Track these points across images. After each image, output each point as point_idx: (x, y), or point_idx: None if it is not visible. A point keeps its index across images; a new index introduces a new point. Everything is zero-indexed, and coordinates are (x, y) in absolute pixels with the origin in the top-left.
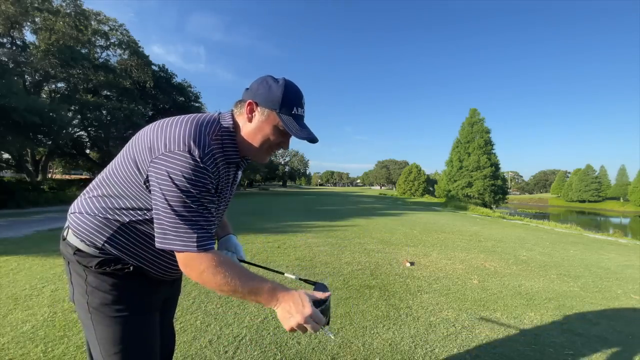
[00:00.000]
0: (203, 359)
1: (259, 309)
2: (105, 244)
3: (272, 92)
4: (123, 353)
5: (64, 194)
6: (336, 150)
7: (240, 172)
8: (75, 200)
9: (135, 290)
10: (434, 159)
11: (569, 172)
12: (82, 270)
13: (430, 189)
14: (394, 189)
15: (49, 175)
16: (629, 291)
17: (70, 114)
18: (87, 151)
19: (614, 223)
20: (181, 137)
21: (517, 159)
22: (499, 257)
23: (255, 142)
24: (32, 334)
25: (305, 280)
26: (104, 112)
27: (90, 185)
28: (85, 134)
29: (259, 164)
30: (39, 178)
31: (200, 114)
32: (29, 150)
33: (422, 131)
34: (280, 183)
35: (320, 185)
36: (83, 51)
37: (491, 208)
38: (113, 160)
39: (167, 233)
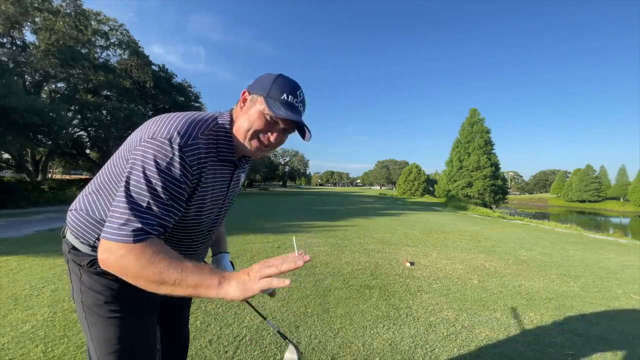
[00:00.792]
0: (203, 359)
1: (259, 309)
2: (97, 242)
3: (264, 80)
4: (119, 354)
5: (64, 194)
6: (336, 150)
7: (242, 174)
8: (75, 199)
9: (129, 292)
10: (434, 159)
11: (569, 172)
12: (77, 268)
13: (430, 189)
14: (394, 189)
15: (49, 175)
16: (629, 291)
17: (70, 114)
18: (87, 151)
19: (614, 223)
20: (167, 127)
21: (517, 159)
22: (499, 257)
23: (242, 129)
24: (32, 334)
25: (282, 335)
26: (104, 112)
27: (88, 183)
28: (85, 134)
29: (259, 164)
30: (39, 178)
31: (199, 112)
32: (29, 150)
33: (422, 131)
34: (280, 183)
35: (320, 185)
36: (83, 51)
37: (491, 208)
38: (110, 158)
39: (111, 219)
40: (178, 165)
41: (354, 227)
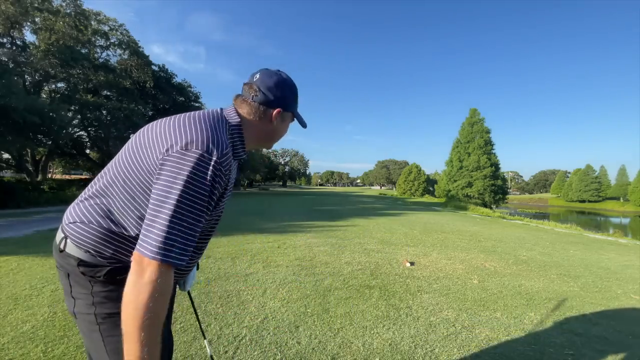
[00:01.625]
0: (203, 359)
1: (258, 309)
2: (115, 254)
3: (283, 90)
4: None
5: (64, 194)
6: (336, 150)
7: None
8: (71, 208)
9: None
10: (434, 159)
11: (569, 172)
12: (87, 281)
13: (430, 189)
14: (394, 189)
15: (49, 175)
16: (629, 291)
17: (70, 114)
18: (87, 151)
19: (614, 223)
20: (199, 136)
21: (517, 159)
22: (499, 257)
23: (274, 139)
24: (32, 334)
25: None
26: (104, 112)
27: (89, 191)
28: (85, 134)
29: (258, 164)
30: (39, 178)
31: (204, 111)
32: (29, 150)
33: (422, 131)
34: (280, 183)
35: (320, 185)
36: (83, 51)
37: (491, 208)
38: (111, 165)
39: (152, 235)
40: (218, 180)
41: (354, 227)
